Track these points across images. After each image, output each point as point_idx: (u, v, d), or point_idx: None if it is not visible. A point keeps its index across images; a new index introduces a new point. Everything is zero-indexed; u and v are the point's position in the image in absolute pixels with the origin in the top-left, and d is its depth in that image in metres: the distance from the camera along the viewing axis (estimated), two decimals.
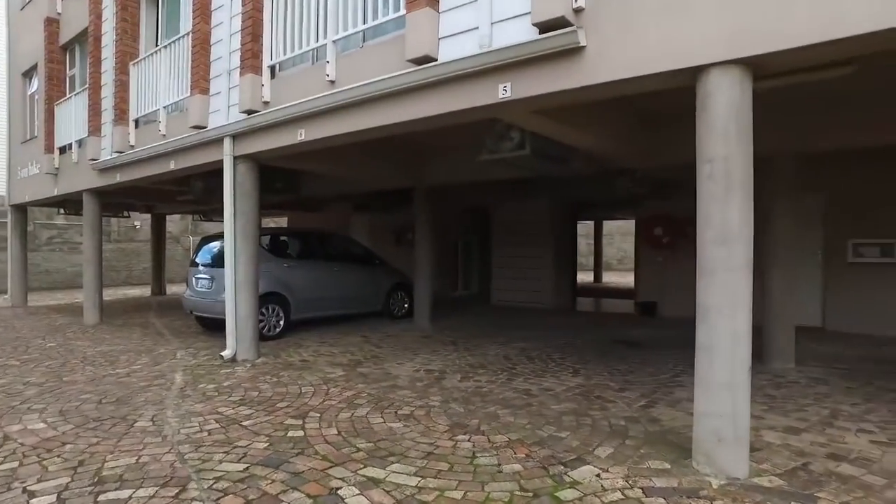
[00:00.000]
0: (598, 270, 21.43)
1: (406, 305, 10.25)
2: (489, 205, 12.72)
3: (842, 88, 4.90)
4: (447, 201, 13.53)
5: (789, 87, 3.77)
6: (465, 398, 4.82)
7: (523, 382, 5.37)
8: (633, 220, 12.41)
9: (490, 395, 4.94)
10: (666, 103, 4.95)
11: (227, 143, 6.26)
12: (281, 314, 8.03)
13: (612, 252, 27.10)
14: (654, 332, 8.42)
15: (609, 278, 22.33)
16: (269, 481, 3.15)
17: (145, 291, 16.14)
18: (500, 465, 3.36)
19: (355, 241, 10.04)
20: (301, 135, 5.37)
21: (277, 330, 7.95)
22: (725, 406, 3.11)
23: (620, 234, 27.09)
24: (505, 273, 12.47)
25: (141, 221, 18.89)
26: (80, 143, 9.77)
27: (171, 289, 16.18)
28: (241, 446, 3.69)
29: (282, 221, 18.97)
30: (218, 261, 7.89)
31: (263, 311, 7.62)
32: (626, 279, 22.09)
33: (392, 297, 10.06)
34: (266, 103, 5.86)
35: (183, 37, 7.03)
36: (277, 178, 10.46)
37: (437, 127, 4.71)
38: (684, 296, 10.81)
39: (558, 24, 3.55)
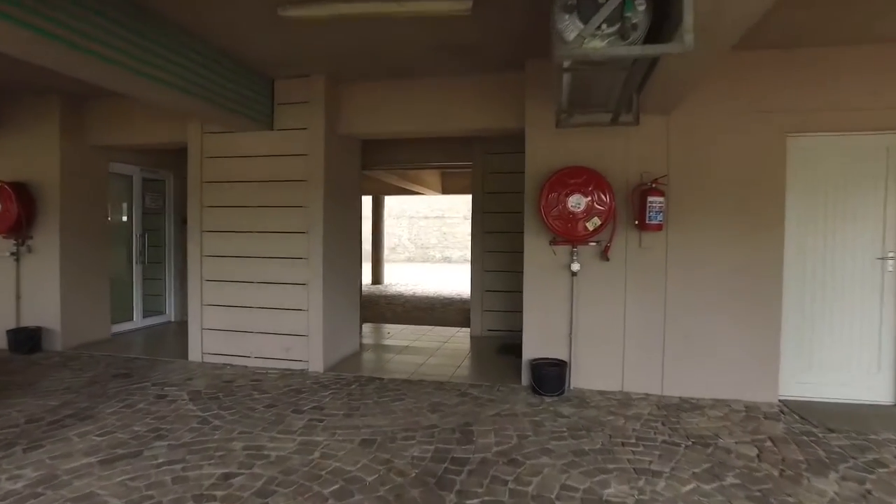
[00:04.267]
0: (377, 268, 15.62)
1: None
2: (194, 139, 5.72)
3: None
4: (91, 125, 6.13)
5: None
6: None
7: None
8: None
9: None
10: None
11: None
12: None
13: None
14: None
15: (389, 277, 16.77)
16: None
17: None
18: None
19: None
20: None
21: None
22: None
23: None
24: (222, 291, 5.66)
25: None
26: None
27: None
28: None
29: None
30: None
31: None
32: (407, 275, 16.39)
33: None
34: None
35: None
36: None
37: None
38: (610, 346, 4.24)
39: None
